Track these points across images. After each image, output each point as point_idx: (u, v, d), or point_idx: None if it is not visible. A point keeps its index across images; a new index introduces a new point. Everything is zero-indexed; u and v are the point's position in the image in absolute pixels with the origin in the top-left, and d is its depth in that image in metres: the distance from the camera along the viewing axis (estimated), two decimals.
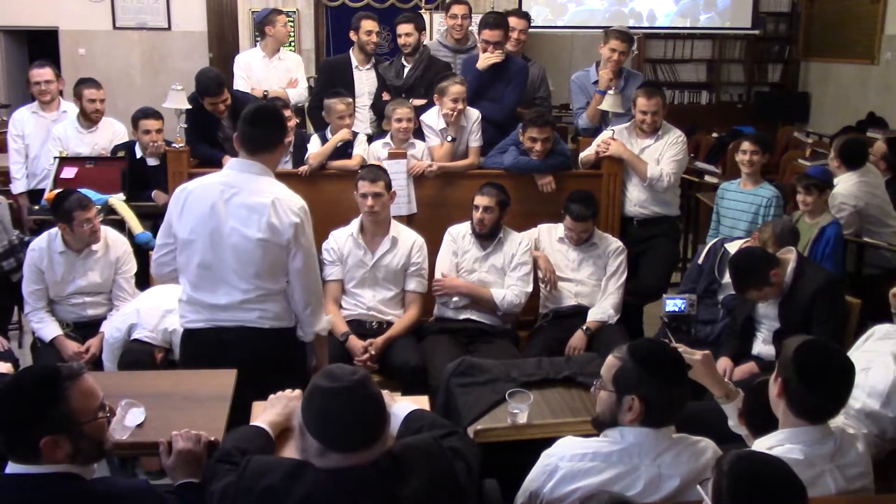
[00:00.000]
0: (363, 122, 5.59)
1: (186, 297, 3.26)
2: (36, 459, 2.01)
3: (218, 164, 5.05)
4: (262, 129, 3.22)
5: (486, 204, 4.30)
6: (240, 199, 3.16)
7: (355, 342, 4.07)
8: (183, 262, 3.23)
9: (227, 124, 5.23)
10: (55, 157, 5.21)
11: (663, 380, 2.25)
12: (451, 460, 2.10)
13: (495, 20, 5.36)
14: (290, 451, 2.40)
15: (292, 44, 8.94)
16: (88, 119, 5.46)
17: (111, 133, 5.55)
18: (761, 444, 2.35)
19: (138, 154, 5.16)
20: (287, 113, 4.90)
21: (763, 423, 2.45)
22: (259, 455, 2.18)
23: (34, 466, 2.00)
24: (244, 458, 2.11)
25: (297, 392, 2.62)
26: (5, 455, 2.03)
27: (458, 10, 5.77)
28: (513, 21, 5.59)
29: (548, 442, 2.42)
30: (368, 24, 5.69)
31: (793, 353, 2.33)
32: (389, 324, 4.21)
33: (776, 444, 2.31)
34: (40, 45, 9.69)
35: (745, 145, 4.86)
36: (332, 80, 5.68)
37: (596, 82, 5.34)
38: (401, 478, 1.98)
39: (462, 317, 4.34)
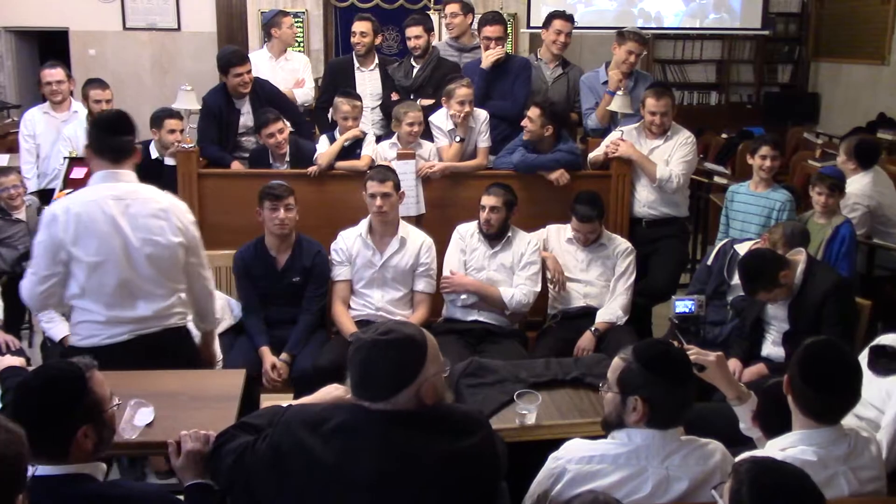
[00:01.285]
0: (365, 122, 5.60)
1: (104, 318, 3.15)
2: (63, 456, 2.03)
3: (226, 166, 5.09)
4: (124, 136, 3.20)
5: (492, 204, 4.29)
6: (136, 209, 3.15)
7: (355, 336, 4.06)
8: (92, 285, 3.12)
9: (245, 111, 5.31)
10: (65, 158, 5.23)
11: (666, 380, 2.24)
12: (494, 435, 2.21)
13: (494, 17, 5.42)
14: None
15: (301, 44, 8.96)
16: None
17: None
18: (775, 445, 2.34)
19: (154, 154, 5.17)
20: (279, 125, 4.95)
21: (777, 425, 2.44)
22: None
23: (47, 467, 2.00)
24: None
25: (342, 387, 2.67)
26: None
27: (449, 8, 5.81)
28: (558, 24, 5.52)
29: (556, 443, 2.42)
30: (357, 25, 5.71)
31: (799, 351, 2.34)
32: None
33: (789, 445, 2.30)
34: (51, 45, 9.73)
35: (765, 150, 4.73)
36: (335, 80, 5.71)
37: (605, 83, 5.34)
38: (438, 431, 2.07)
39: (470, 318, 4.33)
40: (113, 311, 3.15)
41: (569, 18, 5.59)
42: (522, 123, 4.81)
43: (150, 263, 3.16)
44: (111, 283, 3.12)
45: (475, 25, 5.81)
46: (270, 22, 6.17)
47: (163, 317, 3.25)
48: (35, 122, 5.66)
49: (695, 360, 2.74)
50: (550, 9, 8.81)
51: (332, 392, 2.63)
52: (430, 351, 2.10)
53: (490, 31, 5.31)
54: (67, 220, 3.07)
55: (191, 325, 3.49)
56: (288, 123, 5.12)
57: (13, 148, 6.05)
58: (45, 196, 5.29)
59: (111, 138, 3.17)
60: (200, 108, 5.34)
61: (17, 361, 3.02)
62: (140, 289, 3.17)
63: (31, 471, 1.96)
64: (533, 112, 4.77)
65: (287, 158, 5.03)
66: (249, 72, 5.25)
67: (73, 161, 5.16)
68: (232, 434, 2.29)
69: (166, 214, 3.19)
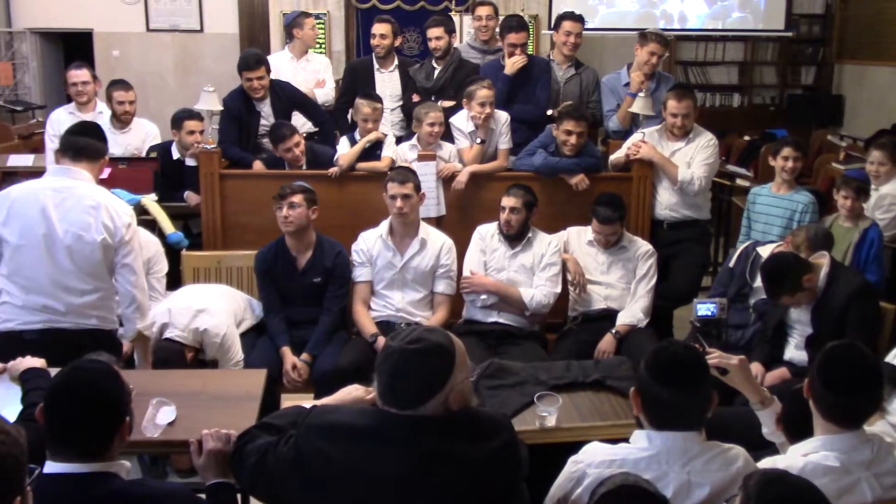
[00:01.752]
0: (385, 124, 5.61)
1: (21, 302, 3.27)
2: (103, 453, 2.05)
3: (248, 167, 5.12)
4: (85, 137, 3.38)
5: (512, 205, 4.29)
6: (71, 202, 3.27)
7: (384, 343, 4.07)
8: (12, 268, 3.26)
9: (266, 113, 5.34)
10: None
11: (655, 379, 2.24)
12: (517, 439, 2.21)
13: (518, 23, 5.39)
14: None
15: (322, 46, 8.98)
16: (119, 120, 5.52)
17: (143, 134, 5.61)
18: (797, 451, 2.32)
19: (175, 155, 5.21)
20: (295, 139, 4.98)
21: (802, 429, 2.42)
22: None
23: (74, 465, 2.01)
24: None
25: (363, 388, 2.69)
26: (59, 452, 2.04)
27: (482, 11, 5.84)
28: (568, 25, 5.54)
29: (576, 446, 2.41)
30: (376, 28, 5.72)
31: (820, 355, 2.33)
32: (418, 325, 4.21)
33: (812, 450, 2.28)
34: (75, 47, 9.82)
35: (787, 151, 4.74)
36: (354, 82, 5.73)
37: (627, 84, 5.32)
38: (462, 436, 2.06)
39: (490, 319, 4.33)
40: (29, 296, 3.27)
41: (578, 19, 5.59)
42: (563, 138, 4.74)
43: (70, 257, 3.27)
44: (28, 268, 3.25)
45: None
46: (292, 23, 6.20)
47: (79, 314, 3.33)
48: (61, 123, 5.69)
49: (717, 364, 2.73)
50: (571, 9, 8.84)
51: (352, 392, 2.63)
52: (458, 358, 2.09)
53: (514, 38, 5.30)
54: (3, 202, 3.28)
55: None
56: (303, 134, 5.16)
57: (38, 148, 6.11)
58: None
59: (75, 137, 3.42)
60: (221, 109, 5.37)
61: (38, 362, 3.05)
62: (57, 281, 3.27)
63: (49, 468, 1.99)
64: (577, 126, 4.71)
65: (304, 168, 5.05)
66: (262, 78, 5.25)
67: None
68: (254, 434, 2.29)
69: (96, 212, 3.29)
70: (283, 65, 6.10)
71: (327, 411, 2.18)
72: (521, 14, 6.42)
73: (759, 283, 4.07)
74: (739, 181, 6.75)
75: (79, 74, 5.67)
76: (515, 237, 4.35)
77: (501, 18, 5.79)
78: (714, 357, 2.74)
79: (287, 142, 4.96)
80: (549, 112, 5.31)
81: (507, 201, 4.31)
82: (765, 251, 4.24)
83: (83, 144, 3.40)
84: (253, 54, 5.35)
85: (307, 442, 2.08)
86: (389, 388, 2.05)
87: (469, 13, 8.55)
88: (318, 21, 8.80)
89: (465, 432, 2.07)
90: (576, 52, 5.63)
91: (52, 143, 5.70)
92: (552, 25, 5.67)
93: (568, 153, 4.77)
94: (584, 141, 4.78)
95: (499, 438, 2.12)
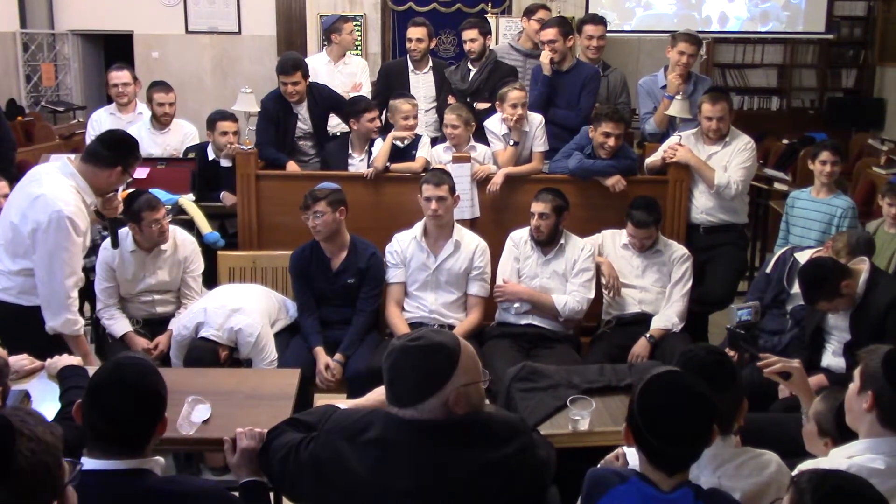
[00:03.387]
0: (419, 125, 5.61)
1: None
2: (143, 448, 2.08)
3: (282, 167, 5.16)
4: (102, 145, 3.55)
5: (541, 210, 4.26)
6: (26, 186, 3.52)
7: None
8: None
9: (303, 115, 5.40)
10: None
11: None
12: (535, 444, 2.17)
13: (550, 20, 5.44)
14: None
15: (359, 48, 9.03)
16: (159, 121, 5.58)
17: (182, 135, 5.67)
18: (840, 454, 2.28)
19: (210, 156, 5.25)
20: (375, 111, 5.10)
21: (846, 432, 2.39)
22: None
23: (111, 462, 2.03)
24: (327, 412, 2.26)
25: None
26: (99, 448, 2.06)
27: (543, 14, 5.80)
28: (590, 28, 5.54)
29: (608, 450, 2.40)
30: (412, 32, 5.74)
31: (882, 364, 2.26)
32: (451, 327, 4.21)
33: (857, 453, 2.24)
34: (116, 48, 9.97)
35: (825, 155, 4.70)
36: (388, 83, 5.75)
37: (664, 87, 5.28)
38: (474, 441, 2.03)
39: (524, 322, 4.32)
40: None
41: (600, 21, 5.58)
42: (601, 140, 4.71)
43: (5, 231, 3.53)
44: None
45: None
46: (331, 27, 6.23)
47: (5, 290, 3.56)
48: (102, 124, 5.77)
49: (780, 370, 2.77)
50: (608, 11, 8.83)
51: (383, 394, 2.64)
52: (462, 360, 2.05)
53: (543, 34, 5.29)
54: None
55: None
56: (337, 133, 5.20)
57: (79, 148, 6.19)
58: None
59: (95, 143, 3.64)
60: (258, 110, 5.42)
61: (75, 360, 3.10)
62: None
63: (86, 465, 2.01)
64: (616, 128, 4.68)
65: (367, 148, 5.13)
66: (297, 83, 5.27)
67: None
68: (282, 430, 2.31)
69: (28, 199, 3.46)
70: (321, 67, 6.14)
71: (343, 417, 2.18)
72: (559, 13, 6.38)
73: (796, 289, 4.01)
74: (777, 185, 6.67)
75: (120, 76, 5.73)
76: (547, 242, 4.33)
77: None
78: (775, 362, 2.75)
79: (372, 112, 5.08)
80: None
81: (536, 207, 4.29)
82: (802, 256, 4.18)
83: (93, 150, 3.57)
84: (290, 59, 5.37)
85: (324, 447, 2.10)
86: (390, 385, 2.08)
87: (505, 15, 8.59)
88: (354, 23, 8.85)
89: (477, 437, 2.05)
90: (600, 55, 5.62)
91: None
92: (576, 29, 5.63)
93: (604, 155, 4.75)
94: (620, 143, 4.76)
95: (516, 442, 2.09)
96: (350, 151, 5.14)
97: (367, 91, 6.27)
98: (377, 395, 2.60)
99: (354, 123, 5.09)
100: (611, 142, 4.69)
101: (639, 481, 2.05)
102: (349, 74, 6.25)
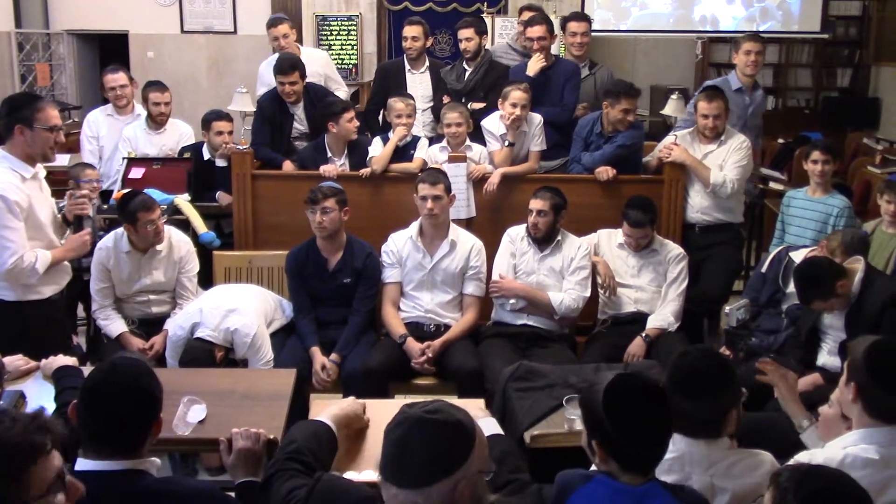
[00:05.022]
0: (416, 125, 5.61)
1: None
2: (138, 449, 2.08)
3: (278, 167, 5.15)
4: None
5: (539, 207, 4.27)
6: None
7: (413, 344, 4.09)
8: None
9: (299, 115, 5.37)
10: (124, 158, 5.32)
11: (675, 389, 2.25)
12: None
13: (535, 18, 5.45)
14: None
15: (354, 47, 9.04)
16: (155, 121, 5.57)
17: (178, 134, 5.65)
18: (835, 444, 2.30)
19: (206, 156, 5.25)
20: (350, 114, 4.98)
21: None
22: (330, 475, 2.12)
23: (106, 462, 2.03)
24: (315, 474, 2.08)
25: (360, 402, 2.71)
26: (93, 449, 2.06)
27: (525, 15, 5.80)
28: (573, 25, 5.57)
29: None
30: (407, 30, 5.71)
31: (863, 356, 2.29)
32: (447, 327, 4.22)
33: (850, 444, 2.26)
34: (111, 48, 9.93)
35: (816, 154, 4.73)
36: (385, 83, 5.73)
37: (738, 90, 5.35)
38: None
39: (519, 321, 4.32)
40: None
41: (584, 19, 5.59)
42: (619, 117, 4.77)
43: None
44: None
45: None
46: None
47: None
48: (98, 125, 5.75)
49: (769, 381, 2.86)
50: (603, 11, 8.84)
51: (352, 405, 2.64)
52: (477, 444, 1.78)
53: (531, 31, 5.31)
54: None
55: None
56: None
57: (73, 148, 6.17)
58: (105, 196, 5.42)
59: None
60: (254, 110, 5.41)
61: (70, 361, 3.09)
62: None
63: (81, 465, 2.01)
64: (633, 103, 4.80)
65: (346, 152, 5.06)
66: (294, 83, 5.24)
67: (132, 161, 5.25)
68: (283, 471, 2.19)
69: None
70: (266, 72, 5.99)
71: (335, 487, 2.03)
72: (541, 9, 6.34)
73: (791, 288, 4.02)
74: (772, 185, 6.69)
75: (116, 78, 5.66)
76: (544, 240, 4.33)
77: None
78: (772, 370, 2.78)
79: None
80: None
81: (535, 204, 4.29)
82: (798, 256, 4.19)
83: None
84: (288, 59, 5.35)
85: None
86: (395, 460, 1.73)
87: (501, 15, 8.59)
88: (350, 23, 8.89)
89: None
90: (585, 52, 5.63)
91: (88, 143, 5.76)
92: (560, 27, 5.65)
93: (621, 129, 4.81)
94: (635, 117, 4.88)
95: None
96: (329, 155, 5.05)
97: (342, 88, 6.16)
98: (342, 407, 2.60)
99: (333, 126, 4.96)
100: (630, 117, 4.79)
101: (607, 478, 2.04)
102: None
